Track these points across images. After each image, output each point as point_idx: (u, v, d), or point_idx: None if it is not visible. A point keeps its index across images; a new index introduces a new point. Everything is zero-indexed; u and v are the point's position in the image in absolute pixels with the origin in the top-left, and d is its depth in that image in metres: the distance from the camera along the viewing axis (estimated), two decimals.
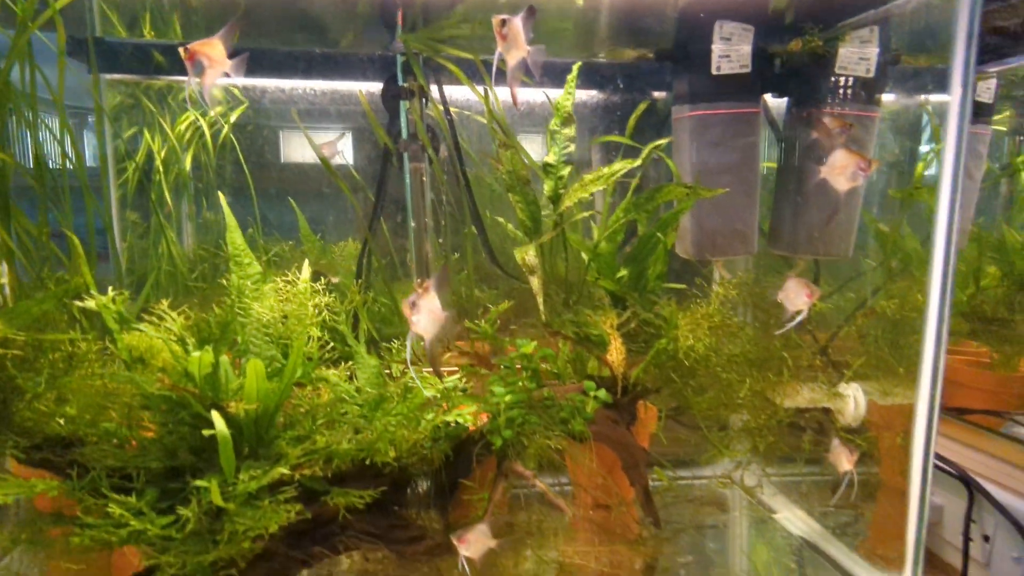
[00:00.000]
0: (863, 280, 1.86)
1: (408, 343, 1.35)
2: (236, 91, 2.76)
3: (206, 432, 1.24)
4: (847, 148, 1.48)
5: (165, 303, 1.47)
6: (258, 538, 1.29)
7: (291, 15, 1.89)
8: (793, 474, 1.91)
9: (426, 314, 1.30)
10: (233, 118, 2.79)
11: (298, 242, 2.94)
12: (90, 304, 1.32)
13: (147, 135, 2.75)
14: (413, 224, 1.89)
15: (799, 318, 1.41)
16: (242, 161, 2.74)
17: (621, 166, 1.54)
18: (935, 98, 2.38)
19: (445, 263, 2.01)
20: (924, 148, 2.42)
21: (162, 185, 2.76)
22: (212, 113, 2.76)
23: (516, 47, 1.25)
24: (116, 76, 2.46)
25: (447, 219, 2.17)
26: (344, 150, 2.67)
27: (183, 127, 2.82)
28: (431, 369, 1.52)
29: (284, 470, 1.25)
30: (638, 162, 1.56)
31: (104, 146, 2.46)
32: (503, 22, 1.24)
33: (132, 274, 2.63)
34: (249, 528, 1.24)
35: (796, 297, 1.43)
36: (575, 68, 1.65)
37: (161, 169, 2.73)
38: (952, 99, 1.29)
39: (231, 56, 1.33)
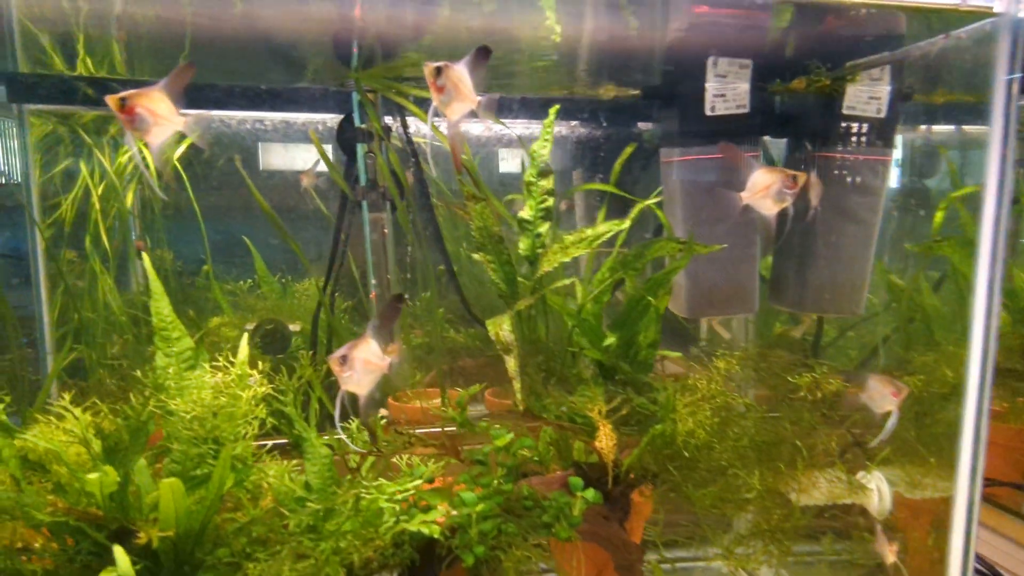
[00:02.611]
0: (878, 345, 1.69)
1: (337, 402, 1.16)
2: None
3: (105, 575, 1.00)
4: (767, 166, 1.32)
5: (67, 397, 1.22)
6: None
7: (240, 48, 1.67)
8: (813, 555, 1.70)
9: (360, 368, 1.13)
10: (180, 150, 2.55)
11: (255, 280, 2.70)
12: None
13: (84, 169, 2.49)
14: (374, 282, 1.67)
15: (892, 421, 1.25)
16: (191, 197, 2.51)
17: (607, 228, 1.34)
18: (939, 129, 2.24)
19: (395, 296, 1.80)
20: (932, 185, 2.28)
21: (98, 224, 2.50)
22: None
23: (459, 99, 1.01)
24: (39, 107, 2.22)
25: (416, 272, 1.96)
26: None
27: (125, 159, 2.56)
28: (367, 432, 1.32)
29: None
30: (626, 223, 1.36)
31: (27, 179, 2.19)
32: (438, 71, 1.00)
33: (65, 323, 2.36)
34: None
35: (881, 398, 1.26)
36: (552, 112, 1.45)
37: (97, 206, 2.47)
38: (992, 139, 1.11)
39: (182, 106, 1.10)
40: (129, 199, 2.57)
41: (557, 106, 1.46)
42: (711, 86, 1.54)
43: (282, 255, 2.72)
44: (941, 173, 2.43)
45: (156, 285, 1.43)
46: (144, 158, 1.14)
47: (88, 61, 2.13)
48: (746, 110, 1.56)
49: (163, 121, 1.07)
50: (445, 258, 1.81)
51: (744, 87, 1.55)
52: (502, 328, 1.31)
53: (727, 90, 1.54)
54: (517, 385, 1.26)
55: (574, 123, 2.23)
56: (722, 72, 1.54)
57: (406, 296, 1.83)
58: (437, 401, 2.46)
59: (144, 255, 1.46)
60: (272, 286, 2.66)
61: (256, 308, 2.63)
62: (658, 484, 1.38)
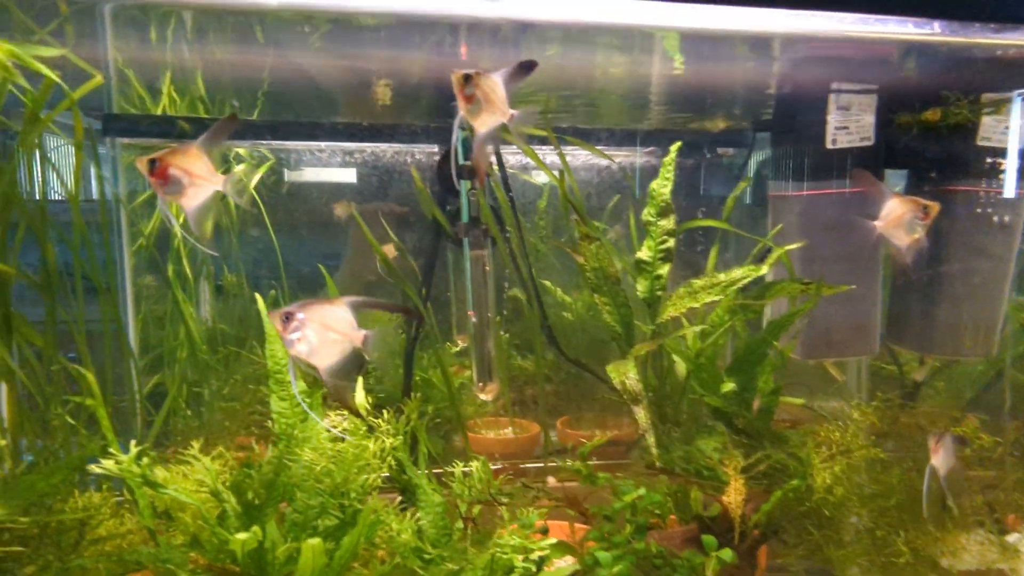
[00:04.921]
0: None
1: (291, 375, 0.97)
2: (264, 150, 2.56)
3: None
4: (899, 195, 1.25)
5: (196, 445, 1.21)
6: None
7: (330, 87, 1.68)
8: None
9: (317, 334, 0.91)
10: (256, 177, 2.59)
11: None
12: (109, 468, 1.07)
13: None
14: (474, 319, 1.64)
15: None
16: (267, 223, 2.54)
17: (743, 273, 1.28)
18: None
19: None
20: None
21: (180, 251, 2.54)
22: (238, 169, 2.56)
23: (490, 110, 0.95)
24: (130, 140, 2.28)
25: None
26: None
27: None
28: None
29: None
30: (764, 269, 1.30)
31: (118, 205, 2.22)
32: (466, 78, 0.93)
33: (147, 350, 2.39)
34: None
35: None
36: (673, 149, 1.40)
37: (179, 234, 2.51)
38: None
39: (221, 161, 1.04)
40: (208, 227, 2.60)
41: (679, 143, 1.41)
42: (833, 118, 1.47)
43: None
44: None
45: (270, 327, 1.42)
46: (175, 215, 1.04)
47: (172, 90, 2.17)
48: (870, 143, 1.49)
49: (200, 181, 0.97)
50: (534, 289, 1.78)
51: (869, 119, 1.48)
52: (628, 376, 1.27)
53: (850, 122, 1.48)
54: (651, 440, 1.21)
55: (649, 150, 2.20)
56: (845, 104, 1.47)
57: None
58: (508, 431, 2.42)
59: (258, 296, 1.45)
60: None
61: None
62: (788, 541, 1.31)
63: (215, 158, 1.00)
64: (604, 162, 2.19)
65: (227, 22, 1.24)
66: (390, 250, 2.42)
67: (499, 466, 1.76)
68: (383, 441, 1.21)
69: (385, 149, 2.22)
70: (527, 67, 0.98)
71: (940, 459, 1.21)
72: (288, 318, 0.91)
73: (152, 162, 0.94)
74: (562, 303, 2.65)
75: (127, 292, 2.28)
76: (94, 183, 2.25)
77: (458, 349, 2.35)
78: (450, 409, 2.08)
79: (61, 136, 1.72)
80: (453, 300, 2.23)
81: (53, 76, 1.11)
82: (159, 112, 2.07)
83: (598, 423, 2.27)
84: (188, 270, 2.52)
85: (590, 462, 1.37)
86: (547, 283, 2.65)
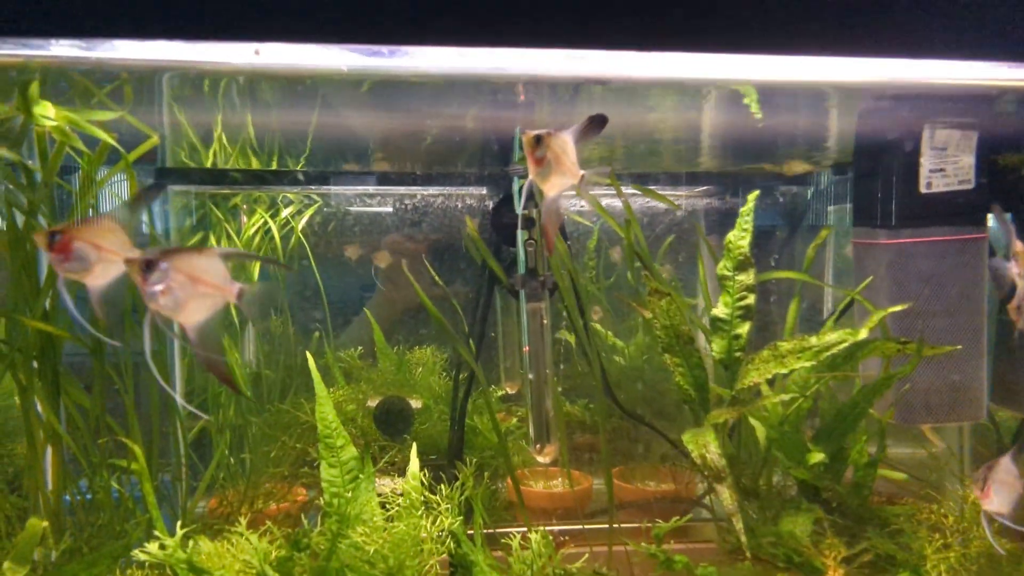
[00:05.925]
0: None
1: (145, 333, 0.80)
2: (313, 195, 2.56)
3: None
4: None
5: (243, 523, 1.14)
6: None
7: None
8: None
9: (183, 286, 0.79)
10: (304, 220, 2.59)
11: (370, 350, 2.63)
12: (153, 555, 1.00)
13: (212, 240, 2.54)
14: (531, 376, 1.55)
15: None
16: (314, 267, 2.52)
17: (839, 337, 1.15)
18: None
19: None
20: None
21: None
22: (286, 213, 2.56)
23: (559, 172, 0.88)
24: (181, 188, 2.32)
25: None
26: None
27: (251, 232, 2.60)
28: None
29: None
30: (862, 333, 1.17)
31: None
32: (537, 140, 0.87)
33: (192, 394, 2.36)
34: None
35: None
36: (751, 199, 1.30)
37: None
38: None
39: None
40: (255, 274, 2.59)
41: (757, 191, 1.30)
42: (927, 160, 1.34)
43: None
44: None
45: (321, 389, 1.35)
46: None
47: (223, 139, 2.19)
48: (970, 186, 1.35)
49: (111, 257, 0.84)
50: (590, 342, 1.67)
51: (968, 160, 1.34)
52: (708, 449, 1.14)
53: (947, 164, 1.34)
54: (739, 525, 1.07)
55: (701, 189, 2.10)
56: (940, 144, 1.34)
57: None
58: (559, 482, 2.28)
59: (308, 356, 1.39)
60: (390, 358, 2.58)
61: (373, 380, 2.55)
62: None
63: (132, 231, 0.88)
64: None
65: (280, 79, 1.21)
66: (384, 257, 2.41)
67: (555, 524, 1.65)
68: (441, 522, 1.12)
69: (435, 193, 2.20)
70: (598, 122, 0.90)
71: (994, 502, 1.04)
72: (149, 267, 0.79)
73: (52, 235, 0.82)
74: (613, 347, 2.54)
75: (173, 338, 2.27)
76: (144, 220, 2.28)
77: (504, 393, 2.26)
78: (498, 458, 1.98)
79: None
80: (500, 343, 2.15)
81: (109, 139, 1.09)
82: (209, 162, 2.08)
83: (652, 474, 2.14)
84: (234, 314, 2.50)
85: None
86: (598, 326, 2.54)
